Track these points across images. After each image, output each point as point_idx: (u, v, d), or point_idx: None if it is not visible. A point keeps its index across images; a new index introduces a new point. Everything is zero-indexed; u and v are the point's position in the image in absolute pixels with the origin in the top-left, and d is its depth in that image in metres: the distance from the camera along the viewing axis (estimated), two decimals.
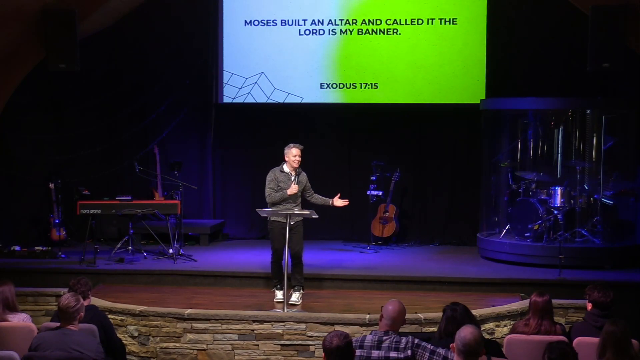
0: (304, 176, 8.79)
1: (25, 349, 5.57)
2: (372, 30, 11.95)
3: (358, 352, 5.06)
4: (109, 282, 9.66)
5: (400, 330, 5.34)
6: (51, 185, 11.24)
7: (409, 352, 5.12)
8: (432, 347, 5.14)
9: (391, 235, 11.89)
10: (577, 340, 5.87)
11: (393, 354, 5.12)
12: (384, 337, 5.18)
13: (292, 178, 8.67)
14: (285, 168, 8.70)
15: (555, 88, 11.46)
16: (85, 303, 6.13)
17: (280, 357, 7.90)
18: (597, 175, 10.67)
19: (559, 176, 10.78)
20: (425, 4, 11.85)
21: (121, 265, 10.08)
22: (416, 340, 5.18)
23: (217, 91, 12.34)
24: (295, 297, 8.68)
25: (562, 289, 8.89)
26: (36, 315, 8.45)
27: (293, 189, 8.56)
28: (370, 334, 5.26)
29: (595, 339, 5.38)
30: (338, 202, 8.85)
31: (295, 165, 8.66)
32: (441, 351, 5.09)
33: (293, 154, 8.64)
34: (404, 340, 5.16)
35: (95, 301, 7.73)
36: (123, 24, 11.95)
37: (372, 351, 5.14)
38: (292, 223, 8.35)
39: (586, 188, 10.64)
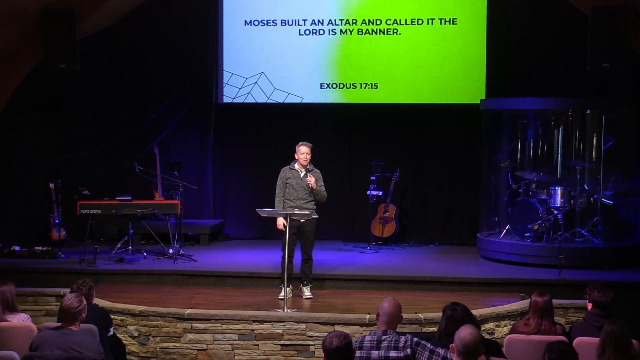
0: (315, 174, 8.91)
1: (25, 349, 5.56)
2: (372, 30, 11.95)
3: (358, 353, 5.06)
4: (109, 282, 9.67)
5: (400, 330, 5.34)
6: (51, 185, 11.24)
7: (409, 350, 5.12)
8: (431, 346, 5.14)
9: (391, 235, 11.90)
10: (577, 340, 5.87)
11: (393, 353, 5.12)
12: (383, 337, 5.18)
13: (302, 175, 8.86)
14: (295, 166, 8.92)
15: (555, 88, 11.45)
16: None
17: (280, 357, 7.90)
18: (597, 175, 10.67)
19: (559, 176, 10.78)
20: (425, 4, 11.85)
21: (121, 265, 10.08)
22: (415, 339, 5.17)
23: (217, 91, 12.34)
24: (308, 291, 8.98)
25: (562, 289, 8.90)
26: (36, 315, 8.45)
27: (279, 223, 8.78)
28: (369, 334, 5.25)
29: (595, 339, 5.38)
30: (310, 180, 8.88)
31: (304, 162, 8.87)
32: (440, 351, 5.08)
33: (302, 151, 8.85)
34: (402, 338, 5.16)
35: (96, 301, 7.72)
36: (123, 24, 11.94)
37: (372, 351, 5.14)
38: (302, 221, 8.62)
39: (586, 188, 10.64)
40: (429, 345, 5.14)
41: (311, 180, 8.78)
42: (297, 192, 8.84)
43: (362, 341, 5.18)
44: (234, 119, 12.44)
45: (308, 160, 8.85)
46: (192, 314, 8.08)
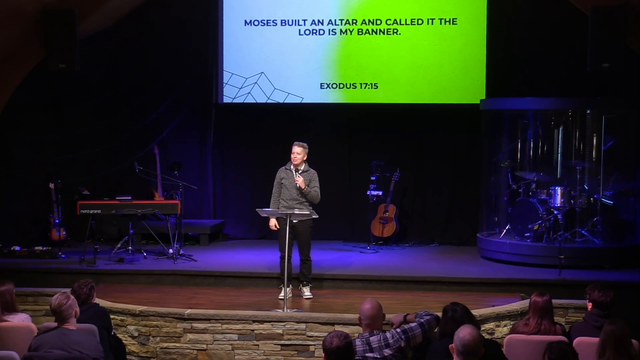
0: (309, 174, 8.87)
1: (25, 349, 5.55)
2: (372, 30, 11.94)
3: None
4: (109, 282, 9.66)
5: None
6: (51, 185, 11.24)
7: (402, 343, 5.17)
8: (415, 324, 5.34)
9: (391, 235, 11.89)
10: (577, 340, 5.87)
11: (387, 351, 5.15)
12: (371, 338, 5.21)
13: (295, 174, 8.83)
14: (291, 166, 8.90)
15: (555, 88, 11.45)
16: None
17: (280, 357, 7.90)
18: (597, 175, 10.67)
19: (559, 176, 10.78)
20: (425, 4, 11.84)
21: (121, 265, 10.08)
22: (398, 329, 5.30)
23: (217, 91, 12.34)
24: (307, 291, 8.98)
25: (562, 289, 8.90)
26: (36, 315, 8.45)
27: (271, 224, 8.91)
28: (358, 338, 5.26)
29: (595, 339, 5.38)
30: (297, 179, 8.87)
31: (294, 162, 8.85)
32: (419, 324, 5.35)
33: (292, 151, 8.88)
34: (389, 334, 5.22)
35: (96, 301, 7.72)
36: (123, 24, 11.94)
37: (367, 354, 5.16)
38: (295, 221, 8.52)
39: (586, 188, 10.64)
40: (413, 325, 5.35)
41: (299, 180, 8.76)
42: (289, 192, 8.84)
43: (354, 346, 5.17)
44: (234, 119, 12.44)
45: (298, 160, 8.82)
46: (192, 314, 8.07)
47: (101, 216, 11.03)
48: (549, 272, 9.55)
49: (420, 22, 11.85)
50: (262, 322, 7.95)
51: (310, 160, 9.06)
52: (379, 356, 5.14)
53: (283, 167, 8.99)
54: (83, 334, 5.56)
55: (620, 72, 10.11)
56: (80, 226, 11.33)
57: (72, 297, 5.60)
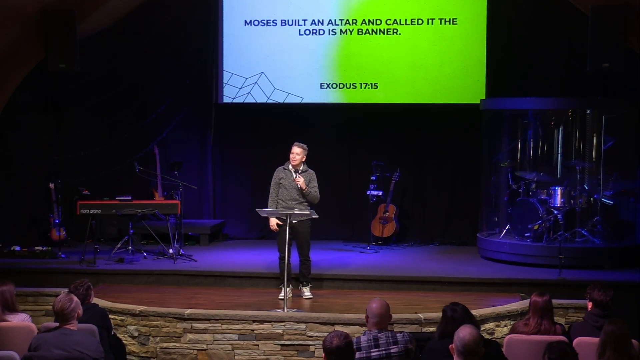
0: (308, 174, 8.86)
1: (25, 349, 5.56)
2: (372, 30, 11.95)
3: (357, 354, 5.06)
4: (109, 282, 9.67)
5: (400, 330, 5.36)
6: (51, 185, 11.24)
7: (409, 345, 5.16)
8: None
9: (391, 235, 11.89)
10: (577, 340, 5.87)
11: (394, 349, 5.14)
12: (379, 335, 5.20)
13: (293, 175, 8.82)
14: (289, 166, 8.89)
15: (556, 88, 11.45)
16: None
17: (280, 357, 7.90)
18: (597, 175, 10.67)
19: (559, 176, 10.78)
20: (425, 4, 11.84)
21: (121, 265, 10.08)
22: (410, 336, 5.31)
23: (217, 91, 12.34)
24: (307, 291, 8.97)
25: (562, 289, 8.90)
26: (36, 315, 8.45)
27: (272, 224, 8.81)
28: (364, 334, 5.26)
29: (595, 339, 5.38)
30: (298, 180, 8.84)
31: (293, 163, 8.83)
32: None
33: (292, 151, 8.86)
34: (399, 334, 5.20)
35: (95, 301, 7.72)
36: (123, 24, 11.94)
37: (371, 350, 5.14)
38: (294, 222, 8.50)
39: (586, 188, 10.64)
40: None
41: (299, 180, 8.74)
42: (289, 192, 8.82)
43: (358, 342, 5.17)
44: (234, 119, 12.44)
45: (298, 161, 8.81)
46: (192, 314, 8.07)
47: (101, 216, 11.03)
48: (549, 272, 9.55)
49: (420, 22, 11.85)
50: (262, 322, 7.95)
51: (310, 161, 9.05)
52: (384, 353, 5.13)
53: (281, 167, 8.97)
54: (83, 334, 5.56)
55: (620, 72, 10.12)
56: (80, 226, 11.33)
57: (75, 298, 5.59)
